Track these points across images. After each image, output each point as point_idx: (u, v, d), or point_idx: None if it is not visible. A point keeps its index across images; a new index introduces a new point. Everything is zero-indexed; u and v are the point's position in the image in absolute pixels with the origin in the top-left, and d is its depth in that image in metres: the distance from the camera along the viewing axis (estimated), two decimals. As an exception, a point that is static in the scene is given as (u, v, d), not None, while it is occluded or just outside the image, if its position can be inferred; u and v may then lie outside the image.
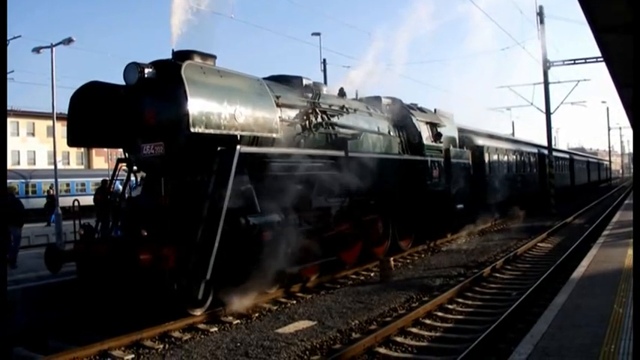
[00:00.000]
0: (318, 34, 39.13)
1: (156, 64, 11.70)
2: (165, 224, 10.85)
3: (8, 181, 43.21)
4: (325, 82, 22.76)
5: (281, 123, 12.75)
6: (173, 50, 12.02)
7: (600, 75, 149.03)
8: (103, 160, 66.11)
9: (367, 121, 16.66)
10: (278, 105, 12.88)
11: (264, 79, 13.76)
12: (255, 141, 12.09)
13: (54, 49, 27.57)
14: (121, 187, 14.01)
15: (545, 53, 36.98)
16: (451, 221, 21.95)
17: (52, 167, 30.81)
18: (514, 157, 34.98)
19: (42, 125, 68.08)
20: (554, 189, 36.84)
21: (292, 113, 13.61)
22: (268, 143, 12.44)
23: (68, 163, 67.69)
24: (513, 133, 65.20)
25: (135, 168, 12.97)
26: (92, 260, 11.12)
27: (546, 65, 37.02)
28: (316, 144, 14.23)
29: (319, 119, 14.39)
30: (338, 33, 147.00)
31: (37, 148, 69.01)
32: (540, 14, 36.30)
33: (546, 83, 37.31)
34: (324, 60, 39.45)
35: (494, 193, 29.28)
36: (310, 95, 14.62)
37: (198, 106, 10.56)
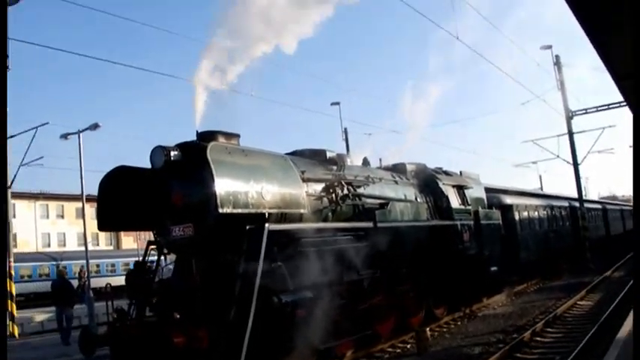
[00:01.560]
0: (337, 103, 39.46)
1: (181, 146, 11.82)
2: (197, 305, 10.78)
3: (42, 264, 43.91)
4: (348, 152, 22.86)
5: (308, 198, 12.76)
6: (197, 131, 12.17)
7: (626, 119, 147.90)
8: (132, 240, 66.53)
9: (393, 189, 16.61)
10: (304, 180, 12.92)
11: (288, 154, 13.88)
12: (283, 217, 12.06)
13: (81, 134, 28.20)
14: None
15: (566, 103, 36.72)
16: (485, 285, 21.52)
17: (82, 249, 31.10)
18: (545, 212, 34.50)
19: (71, 207, 69.02)
20: (589, 241, 36.14)
21: (318, 187, 13.63)
22: (296, 219, 12.40)
23: (97, 244, 68.19)
24: (542, 188, 64.60)
25: (165, 250, 12.98)
26: (126, 343, 11.04)
27: (569, 115, 36.73)
28: (344, 216, 14.18)
29: (345, 191, 14.39)
30: (357, 100, 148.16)
31: (67, 229, 69.79)
32: (557, 64, 36.24)
33: (570, 134, 36.95)
34: (346, 129, 39.66)
35: (528, 251, 28.84)
36: (335, 167, 14.68)
37: (225, 186, 10.62)
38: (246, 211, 10.99)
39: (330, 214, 13.75)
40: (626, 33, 8.32)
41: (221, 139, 11.95)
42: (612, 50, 10.47)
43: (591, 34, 8.82)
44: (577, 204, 37.60)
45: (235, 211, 10.75)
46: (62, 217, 71.47)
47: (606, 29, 9.04)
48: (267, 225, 11.10)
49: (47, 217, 69.54)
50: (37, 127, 26.61)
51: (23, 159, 26.38)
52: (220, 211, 10.45)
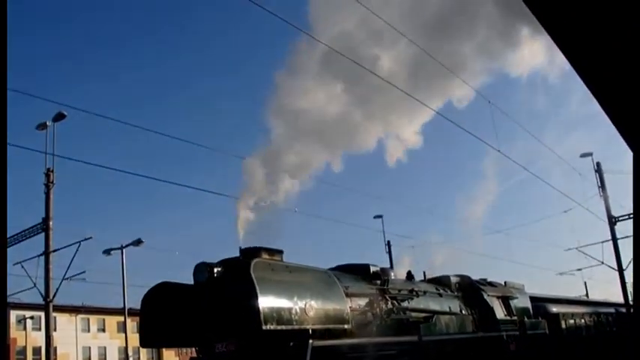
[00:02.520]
0: (380, 216, 39.31)
1: (224, 263, 11.97)
2: None
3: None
4: (391, 265, 22.87)
5: (352, 313, 12.69)
6: (240, 248, 12.31)
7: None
8: (173, 354, 65.83)
9: (438, 302, 16.46)
10: (347, 295, 12.88)
11: (332, 269, 13.93)
12: (327, 333, 11.97)
13: (124, 249, 28.58)
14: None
15: (609, 210, 36.17)
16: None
17: (123, 364, 30.90)
18: (591, 319, 33.67)
19: (112, 321, 68.91)
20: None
21: (362, 302, 13.59)
22: (340, 334, 12.29)
23: (139, 358, 67.56)
24: (587, 295, 62.98)
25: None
26: None
27: (612, 222, 36.15)
28: (389, 330, 14.01)
29: (389, 305, 14.32)
30: (399, 212, 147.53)
31: (108, 343, 69.44)
32: (598, 171, 35.94)
33: (615, 240, 36.22)
34: (389, 242, 39.36)
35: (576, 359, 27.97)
36: (379, 282, 14.66)
37: (268, 303, 10.67)
38: (289, 327, 10.99)
39: (374, 328, 13.60)
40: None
41: (264, 256, 12.06)
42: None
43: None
44: (624, 309, 36.48)
45: (279, 327, 10.76)
46: (103, 330, 71.23)
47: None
48: (310, 341, 11.06)
49: (88, 330, 69.30)
50: (80, 242, 26.92)
51: (65, 273, 26.60)
52: (264, 327, 10.47)
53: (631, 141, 3.53)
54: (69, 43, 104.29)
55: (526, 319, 21.22)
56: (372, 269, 14.90)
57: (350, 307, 12.70)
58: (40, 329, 45.82)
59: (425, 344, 14.37)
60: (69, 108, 21.88)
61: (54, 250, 24.25)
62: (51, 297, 23.79)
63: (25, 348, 52.46)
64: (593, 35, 3.03)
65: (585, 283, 73.64)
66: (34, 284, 24.36)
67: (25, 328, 51.63)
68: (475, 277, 19.94)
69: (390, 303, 14.37)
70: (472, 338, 17.12)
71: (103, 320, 71.00)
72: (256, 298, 10.45)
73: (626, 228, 43.84)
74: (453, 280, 18.55)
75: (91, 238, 27.25)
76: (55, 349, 34.59)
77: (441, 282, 18.04)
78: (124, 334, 30.56)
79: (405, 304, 14.94)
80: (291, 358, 10.91)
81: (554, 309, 27.84)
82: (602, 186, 35.67)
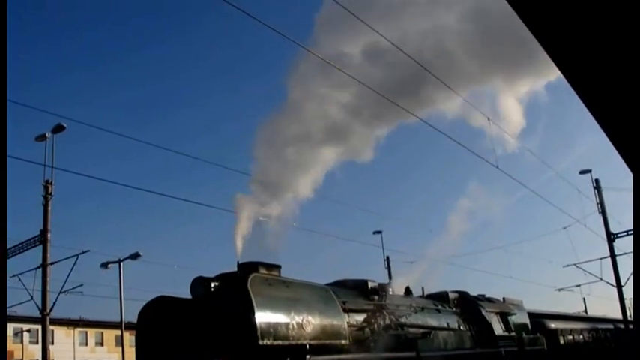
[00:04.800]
0: (379, 232, 39.17)
1: (221, 278, 11.93)
2: None
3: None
4: (390, 280, 22.83)
5: (349, 328, 12.68)
6: (238, 262, 12.28)
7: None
8: (170, 367, 65.44)
9: (436, 318, 16.46)
10: (345, 310, 12.88)
11: (330, 284, 13.91)
12: (324, 349, 11.93)
13: (121, 263, 28.51)
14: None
15: (607, 227, 36.17)
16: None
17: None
18: (590, 335, 33.61)
19: (110, 335, 68.60)
20: (635, 362, 34.63)
21: (360, 317, 13.58)
22: (338, 350, 12.26)
23: (136, 372, 67.09)
24: (586, 311, 62.85)
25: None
26: None
27: (610, 238, 36.13)
28: (387, 346, 13.97)
29: (387, 321, 14.29)
30: (399, 228, 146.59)
31: (106, 357, 69.14)
32: (597, 188, 35.94)
33: (613, 257, 36.20)
34: (388, 257, 39.24)
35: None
36: (377, 297, 14.66)
37: (265, 318, 10.67)
38: (286, 342, 10.97)
39: (372, 344, 13.57)
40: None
41: (262, 270, 12.05)
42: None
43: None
44: (622, 325, 36.41)
45: (275, 342, 10.75)
46: (101, 344, 70.89)
47: None
48: (307, 357, 11.05)
49: (86, 344, 69.02)
50: (77, 255, 26.76)
51: (63, 286, 26.45)
52: (261, 342, 10.45)
53: (631, 163, 3.57)
54: (74, 55, 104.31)
55: (524, 334, 21.19)
56: (370, 284, 14.90)
57: (348, 323, 12.68)
58: (37, 342, 45.60)
59: (423, 360, 14.35)
60: (70, 121, 21.83)
61: (51, 263, 24.16)
62: (48, 310, 23.70)
63: (21, 361, 52.27)
64: (596, 62, 3.05)
65: (584, 299, 73.36)
66: (31, 297, 24.26)
67: (22, 341, 51.43)
68: (473, 292, 19.93)
69: (388, 318, 14.35)
70: (470, 354, 17.07)
71: (102, 334, 70.70)
72: (253, 312, 10.44)
73: (624, 245, 43.64)
74: (452, 295, 18.55)
75: (88, 251, 27.16)
76: (52, 362, 34.44)
77: (439, 298, 18.04)
78: (121, 348, 30.36)
79: (403, 319, 14.92)
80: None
81: (553, 325, 27.79)
82: (601, 203, 35.70)
